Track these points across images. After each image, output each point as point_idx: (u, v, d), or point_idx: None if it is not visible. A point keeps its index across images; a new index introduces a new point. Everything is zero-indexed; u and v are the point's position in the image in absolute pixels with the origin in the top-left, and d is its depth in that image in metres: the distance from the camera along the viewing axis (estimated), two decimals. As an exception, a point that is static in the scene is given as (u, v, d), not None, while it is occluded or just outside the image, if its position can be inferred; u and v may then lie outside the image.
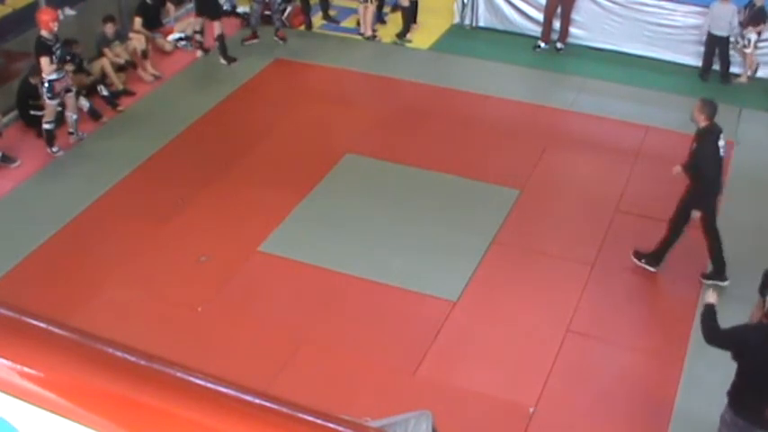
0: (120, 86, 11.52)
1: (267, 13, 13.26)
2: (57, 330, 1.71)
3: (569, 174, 10.47)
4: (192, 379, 1.64)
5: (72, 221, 9.11)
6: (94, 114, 10.83)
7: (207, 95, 11.52)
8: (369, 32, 13.16)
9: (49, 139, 10.12)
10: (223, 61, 12.37)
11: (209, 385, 1.63)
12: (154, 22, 12.63)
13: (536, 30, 12.99)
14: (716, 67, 12.26)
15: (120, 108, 11.19)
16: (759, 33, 11.89)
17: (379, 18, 13.58)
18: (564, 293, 8.26)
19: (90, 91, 10.99)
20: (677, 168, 8.36)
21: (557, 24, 12.86)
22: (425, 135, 10.80)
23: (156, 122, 10.95)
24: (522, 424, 6.91)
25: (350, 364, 7.44)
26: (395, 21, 13.57)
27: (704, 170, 8.06)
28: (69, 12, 12.20)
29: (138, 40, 12.02)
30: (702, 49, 12.17)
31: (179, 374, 1.64)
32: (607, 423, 7.01)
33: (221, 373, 1.66)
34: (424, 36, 13.35)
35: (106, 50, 11.39)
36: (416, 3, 13.30)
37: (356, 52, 12.91)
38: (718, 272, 8.40)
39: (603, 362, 7.59)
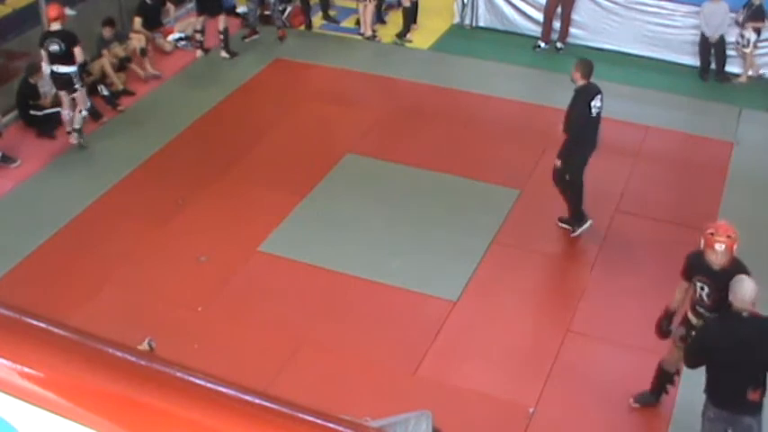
0: (120, 86, 11.52)
1: (266, 13, 13.27)
2: (57, 330, 1.71)
3: (569, 174, 10.46)
4: (191, 379, 1.64)
5: (72, 221, 9.11)
6: (94, 114, 10.83)
7: (207, 95, 11.52)
8: (368, 32, 13.16)
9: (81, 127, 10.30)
10: (225, 55, 12.44)
11: (209, 385, 1.63)
12: (154, 22, 12.63)
13: (536, 30, 12.98)
14: (715, 66, 12.27)
15: (120, 108, 11.20)
16: (758, 33, 11.88)
17: (379, 18, 13.58)
18: (564, 293, 8.26)
19: (90, 91, 10.99)
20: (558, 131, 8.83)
21: (557, 24, 12.86)
22: (425, 135, 10.80)
23: (156, 122, 10.95)
24: (522, 424, 6.90)
25: (350, 364, 7.43)
26: (395, 21, 13.57)
27: (573, 126, 8.57)
28: (69, 12, 12.20)
29: (137, 40, 12.03)
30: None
31: (179, 374, 1.64)
32: (607, 423, 7.01)
33: (221, 373, 1.66)
34: (424, 36, 13.35)
35: (105, 52, 11.38)
36: (417, 3, 13.29)
37: (356, 52, 12.91)
38: (577, 220, 8.87)
39: (603, 362, 7.59)
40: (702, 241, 6.33)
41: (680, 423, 6.94)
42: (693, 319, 6.52)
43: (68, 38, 9.88)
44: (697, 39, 12.15)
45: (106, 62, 11.37)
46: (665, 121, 11.13)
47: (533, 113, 11.34)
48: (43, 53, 9.94)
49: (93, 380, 1.61)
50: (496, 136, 10.82)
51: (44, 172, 9.98)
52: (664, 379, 6.92)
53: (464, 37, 13.34)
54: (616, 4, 12.58)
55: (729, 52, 12.09)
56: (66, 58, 9.87)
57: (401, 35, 13.18)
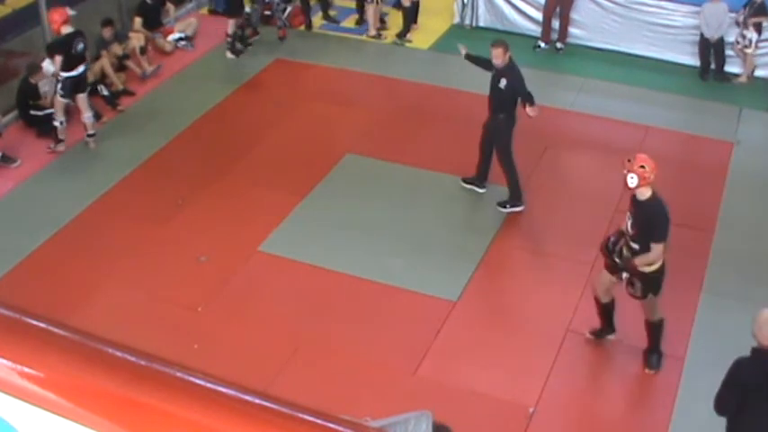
0: (121, 86, 11.52)
1: (267, 12, 13.27)
2: (57, 330, 1.71)
3: (569, 174, 10.48)
4: (191, 379, 1.64)
5: (72, 221, 9.11)
6: (95, 114, 10.82)
7: (207, 95, 11.52)
8: (373, 31, 13.19)
9: (56, 135, 10.21)
10: (230, 56, 12.56)
11: (209, 385, 1.63)
12: (154, 22, 12.63)
13: (536, 30, 12.99)
14: (714, 66, 12.27)
15: (120, 108, 11.20)
16: (760, 31, 11.87)
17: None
18: (564, 293, 8.25)
19: (90, 91, 10.98)
20: (535, 110, 9.22)
21: (556, 24, 12.86)
22: (425, 135, 10.80)
23: (156, 122, 10.95)
24: (522, 424, 6.91)
25: (350, 364, 7.43)
26: (395, 21, 13.57)
27: (518, 97, 8.97)
28: (69, 12, 12.19)
29: (137, 39, 12.03)
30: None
31: (179, 374, 1.64)
32: (607, 423, 7.01)
33: (221, 373, 1.66)
34: (424, 36, 13.35)
35: (104, 53, 11.38)
36: (418, 3, 13.30)
37: (356, 52, 12.91)
38: (479, 180, 9.38)
39: (603, 362, 7.58)
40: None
41: (680, 423, 6.94)
42: (624, 251, 6.92)
43: (84, 36, 10.01)
44: (697, 39, 12.15)
45: (106, 62, 11.37)
46: (665, 121, 11.13)
47: (533, 113, 11.32)
48: (58, 59, 9.74)
49: (93, 380, 1.61)
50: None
51: (44, 172, 9.98)
52: (606, 310, 7.35)
53: (464, 37, 13.27)
54: (616, 4, 12.58)
55: (729, 52, 12.09)
56: (84, 57, 10.02)
57: (401, 35, 13.19)
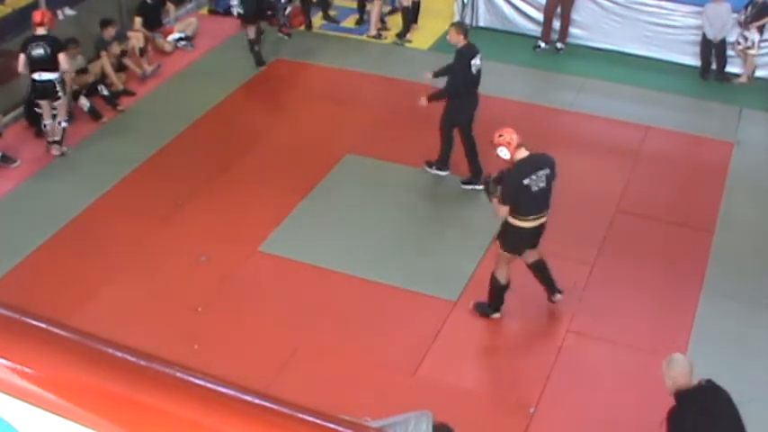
0: (120, 86, 11.52)
1: (269, 12, 13.28)
2: (57, 330, 1.71)
3: (569, 174, 10.45)
4: (191, 379, 1.64)
5: (72, 221, 9.11)
6: (95, 113, 10.83)
7: (207, 95, 11.51)
8: (373, 31, 13.20)
9: (63, 137, 10.20)
10: (260, 67, 12.25)
11: (209, 385, 1.63)
12: (154, 22, 12.63)
13: (536, 30, 12.99)
14: (715, 66, 12.27)
15: (120, 108, 11.20)
16: (762, 32, 11.86)
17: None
18: (564, 293, 8.25)
19: (90, 91, 11.00)
20: (423, 100, 9.59)
21: (557, 24, 12.86)
22: (425, 135, 10.77)
23: (157, 122, 10.95)
24: (522, 424, 6.91)
25: (350, 364, 7.43)
26: (395, 21, 13.57)
27: (454, 85, 9.19)
28: (69, 12, 12.20)
29: (136, 39, 12.02)
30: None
31: (179, 374, 1.64)
32: (607, 423, 7.01)
33: (221, 373, 1.66)
34: (424, 36, 13.35)
35: (104, 53, 11.38)
36: (419, 3, 13.30)
37: (356, 52, 12.91)
38: (476, 177, 9.47)
39: (603, 362, 7.59)
40: None
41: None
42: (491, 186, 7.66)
43: (54, 43, 9.80)
44: (697, 39, 12.15)
45: (106, 62, 11.37)
46: (665, 121, 11.14)
47: (533, 113, 11.34)
48: (22, 58, 9.76)
49: (93, 380, 1.61)
50: (496, 136, 10.81)
51: (44, 172, 9.98)
52: (503, 294, 7.78)
53: (464, 37, 13.32)
54: (616, 4, 12.58)
55: (730, 52, 12.09)
56: (51, 63, 9.78)
57: (401, 35, 13.19)
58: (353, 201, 9.53)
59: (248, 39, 12.18)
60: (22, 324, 1.71)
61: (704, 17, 11.93)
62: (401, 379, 7.30)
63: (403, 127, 10.97)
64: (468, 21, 13.52)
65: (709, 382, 5.52)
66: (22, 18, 10.76)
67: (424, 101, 9.56)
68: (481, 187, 9.30)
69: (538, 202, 7.40)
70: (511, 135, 7.33)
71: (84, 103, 10.70)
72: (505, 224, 7.49)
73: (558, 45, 12.88)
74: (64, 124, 10.14)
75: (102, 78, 11.29)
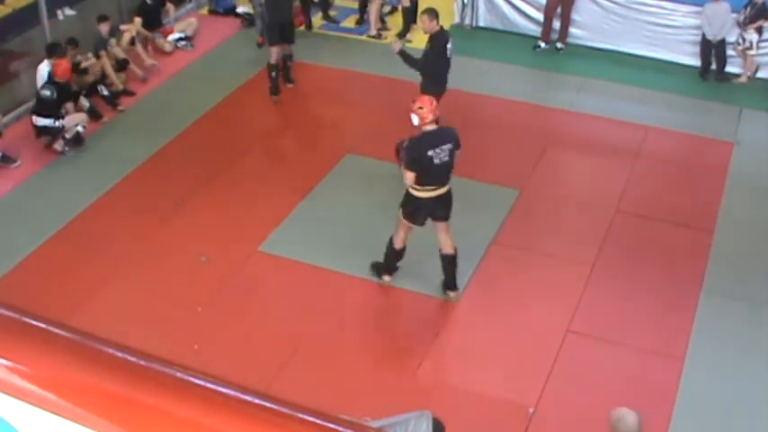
0: (121, 86, 11.51)
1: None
2: (57, 330, 1.71)
3: (569, 174, 10.48)
4: (191, 379, 1.64)
5: (72, 221, 9.11)
6: (95, 114, 10.84)
7: (207, 95, 11.51)
8: (373, 31, 13.20)
9: (69, 140, 10.24)
10: (275, 97, 11.47)
11: (209, 385, 1.63)
12: (154, 22, 12.63)
13: (536, 30, 12.98)
14: (715, 66, 12.27)
15: (120, 108, 11.19)
16: (760, 33, 11.86)
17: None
18: (564, 293, 8.26)
19: (90, 91, 11.00)
20: (397, 45, 9.92)
21: (557, 24, 12.86)
22: (425, 135, 10.79)
23: (156, 122, 10.95)
24: (522, 424, 6.91)
25: (350, 364, 7.44)
26: (395, 21, 13.57)
27: (430, 67, 9.36)
28: (69, 12, 12.20)
29: (129, 31, 12.01)
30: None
31: (179, 374, 1.64)
32: (607, 423, 7.00)
33: (221, 373, 1.66)
34: (423, 36, 13.30)
35: (102, 53, 11.38)
36: (416, 3, 13.29)
37: (356, 52, 12.91)
38: None
39: (603, 362, 7.59)
40: None
41: (680, 423, 6.95)
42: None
43: (63, 91, 10.00)
44: (697, 39, 12.15)
45: (106, 62, 11.37)
46: (665, 121, 11.13)
47: (533, 113, 11.34)
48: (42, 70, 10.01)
49: (93, 380, 1.61)
50: (496, 136, 10.82)
51: (44, 172, 9.98)
52: (396, 259, 8.16)
53: (464, 37, 13.31)
54: (616, 4, 12.58)
55: (730, 52, 12.09)
56: (52, 109, 9.97)
57: (401, 35, 13.18)
58: (353, 201, 9.53)
59: (269, 62, 11.31)
60: (22, 324, 1.72)
61: (703, 17, 11.92)
62: (401, 379, 7.31)
63: (403, 127, 10.94)
64: (468, 21, 13.54)
65: None
66: (22, 18, 10.77)
67: (397, 46, 9.88)
68: None
69: (438, 175, 7.69)
70: (429, 109, 7.63)
71: (83, 103, 10.70)
72: (406, 193, 7.81)
73: (558, 45, 12.88)
74: (80, 129, 10.19)
75: (103, 78, 11.29)
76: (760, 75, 12.14)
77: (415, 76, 12.21)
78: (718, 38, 11.89)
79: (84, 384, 1.61)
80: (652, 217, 9.39)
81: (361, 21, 13.64)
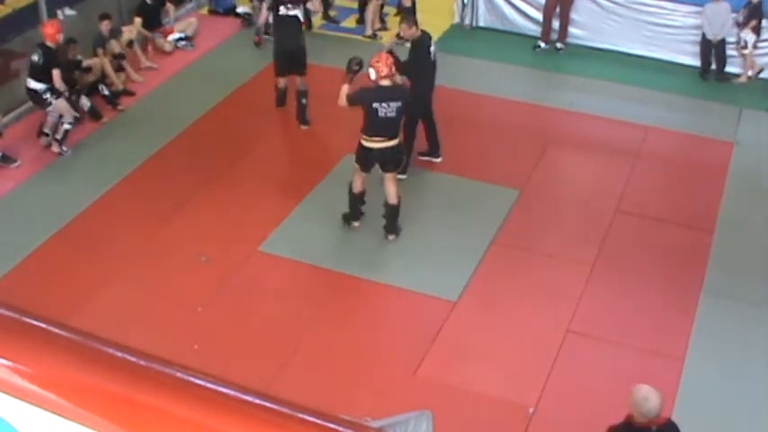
0: (121, 86, 11.51)
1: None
2: (57, 330, 1.71)
3: (569, 174, 10.48)
4: (191, 379, 1.64)
5: (72, 221, 9.10)
6: (95, 113, 10.83)
7: (207, 96, 11.51)
8: (369, 31, 13.18)
9: (64, 138, 10.16)
10: (304, 126, 10.84)
11: (209, 385, 1.63)
12: (154, 22, 12.63)
13: (536, 30, 12.98)
14: (715, 66, 12.26)
15: (120, 108, 11.19)
16: (758, 33, 11.85)
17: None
18: (564, 293, 8.26)
19: (90, 91, 11.00)
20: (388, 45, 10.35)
21: (556, 24, 12.86)
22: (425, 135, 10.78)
23: (156, 122, 10.95)
24: (522, 424, 6.91)
25: (350, 364, 7.44)
26: (395, 21, 13.56)
27: (417, 71, 9.40)
28: (69, 12, 12.19)
29: (129, 32, 12.00)
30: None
31: (179, 374, 1.64)
32: (607, 423, 7.00)
33: (221, 373, 1.66)
34: (423, 36, 13.32)
35: (100, 51, 11.38)
36: (415, 3, 13.28)
37: (356, 52, 12.85)
38: (433, 151, 10.01)
39: (603, 362, 7.59)
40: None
41: (680, 423, 6.94)
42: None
43: (49, 55, 9.80)
44: (697, 39, 12.15)
45: (107, 62, 11.37)
46: (665, 121, 11.13)
47: (533, 113, 11.34)
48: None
49: (93, 380, 1.61)
50: (496, 136, 10.82)
51: (44, 172, 9.98)
52: (358, 203, 8.85)
53: (464, 37, 13.33)
54: (616, 4, 12.58)
55: (730, 52, 12.09)
56: (42, 74, 9.82)
57: (400, 35, 13.17)
58: (353, 201, 9.52)
59: (276, 86, 10.93)
60: (22, 324, 1.72)
61: (704, 17, 11.92)
62: (401, 379, 7.30)
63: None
64: (468, 21, 13.54)
65: (670, 421, 5.41)
66: (22, 18, 10.76)
67: (386, 47, 10.11)
68: (439, 159, 10.01)
69: (384, 128, 8.37)
70: (384, 64, 8.40)
71: (84, 102, 10.69)
72: (359, 144, 8.58)
73: (558, 45, 12.88)
74: (67, 126, 10.10)
75: (103, 78, 11.29)
76: (761, 75, 12.13)
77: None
78: (718, 38, 11.89)
79: (84, 384, 1.61)
80: (652, 217, 9.39)
81: (361, 20, 13.63)
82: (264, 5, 12.10)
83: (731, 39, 12.00)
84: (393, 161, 8.63)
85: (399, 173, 9.32)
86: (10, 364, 1.63)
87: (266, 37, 12.75)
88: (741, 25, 11.83)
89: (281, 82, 10.81)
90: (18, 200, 9.51)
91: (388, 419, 5.34)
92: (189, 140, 10.61)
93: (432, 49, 9.68)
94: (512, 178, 9.89)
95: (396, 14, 13.83)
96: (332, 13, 13.93)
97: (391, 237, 8.90)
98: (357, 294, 8.27)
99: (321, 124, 11.11)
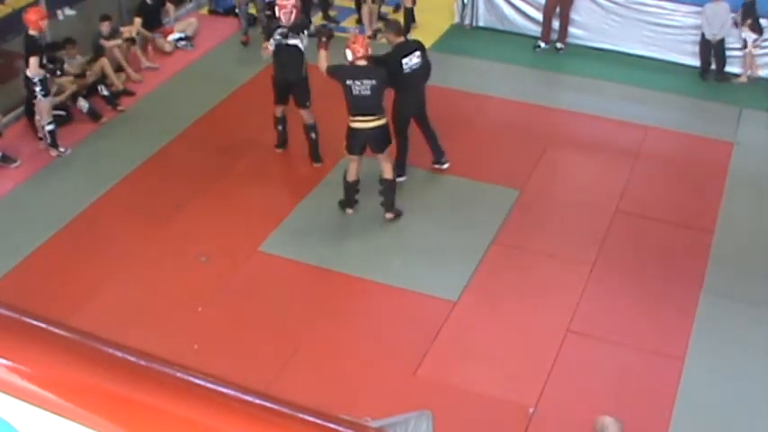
0: (121, 86, 11.52)
1: (268, 12, 13.28)
2: (57, 330, 1.71)
3: (569, 174, 10.48)
4: (192, 379, 1.64)
5: (72, 221, 9.11)
6: (94, 115, 10.83)
7: (207, 96, 11.51)
8: (368, 32, 13.18)
9: (53, 140, 10.08)
10: (349, 210, 9.39)
11: (209, 385, 1.63)
12: (154, 22, 12.63)
13: (536, 30, 12.98)
14: (715, 66, 12.26)
15: (120, 108, 11.19)
16: (756, 31, 11.82)
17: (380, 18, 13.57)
18: (564, 293, 8.26)
19: (90, 91, 11.00)
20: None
21: (556, 24, 12.86)
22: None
23: (156, 122, 10.95)
24: (522, 424, 6.91)
25: (350, 364, 7.44)
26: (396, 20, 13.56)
27: (396, 79, 9.17)
28: (69, 12, 12.19)
29: (128, 32, 12.01)
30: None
31: (179, 374, 1.64)
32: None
33: (221, 373, 1.66)
34: (423, 36, 13.26)
35: (102, 41, 11.37)
36: (415, 2, 13.28)
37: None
38: (437, 159, 9.99)
39: (603, 362, 7.59)
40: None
41: (680, 423, 6.95)
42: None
43: (30, 43, 9.76)
44: (697, 39, 12.15)
45: (106, 62, 11.37)
46: (665, 121, 11.13)
47: (533, 113, 11.34)
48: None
49: (93, 380, 1.61)
50: (496, 136, 10.82)
51: (44, 172, 9.98)
52: (351, 191, 9.15)
53: (464, 37, 13.33)
54: (616, 4, 12.58)
55: (729, 52, 12.08)
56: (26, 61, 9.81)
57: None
58: (353, 201, 9.53)
59: (275, 117, 10.16)
60: (22, 324, 1.71)
61: (703, 17, 11.92)
62: (401, 379, 7.30)
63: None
64: (468, 21, 13.54)
65: None
66: (22, 18, 10.74)
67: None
68: (446, 165, 9.97)
69: (362, 106, 8.68)
70: (360, 44, 8.79)
71: (82, 104, 10.69)
72: (347, 128, 8.90)
73: (558, 45, 12.88)
74: (48, 127, 10.00)
75: (103, 78, 11.29)
76: (760, 74, 12.13)
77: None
78: (718, 38, 11.89)
79: (84, 384, 1.61)
80: (652, 217, 9.39)
81: (361, 21, 13.63)
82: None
83: (731, 38, 11.99)
84: (381, 141, 8.91)
85: (397, 175, 9.32)
86: (10, 364, 1.63)
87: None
88: (739, 25, 11.83)
89: (279, 111, 10.02)
90: (18, 200, 9.51)
91: (388, 419, 5.34)
92: (189, 140, 10.61)
93: (408, 60, 9.20)
94: (512, 178, 9.89)
95: (394, 11, 13.85)
96: (332, 12, 13.93)
97: (389, 215, 9.13)
98: (357, 294, 8.27)
99: (321, 125, 11.09)
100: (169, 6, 13.05)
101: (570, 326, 7.88)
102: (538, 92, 11.98)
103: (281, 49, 9.70)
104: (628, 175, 10.05)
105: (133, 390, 1.60)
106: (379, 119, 8.79)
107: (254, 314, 8.00)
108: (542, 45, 12.89)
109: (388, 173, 9.06)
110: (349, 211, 9.29)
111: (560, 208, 9.62)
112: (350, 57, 8.80)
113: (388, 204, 9.15)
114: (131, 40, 11.96)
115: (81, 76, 11.00)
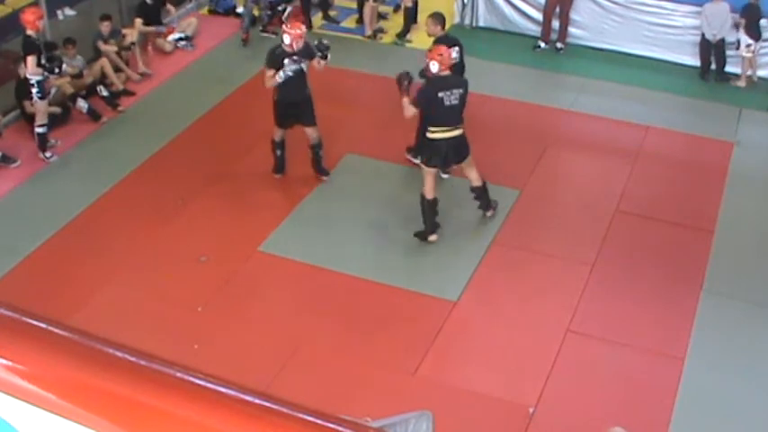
0: (120, 86, 11.51)
1: (269, 12, 13.28)
2: (57, 330, 1.71)
3: (569, 174, 10.48)
4: (192, 379, 1.64)
5: (72, 222, 9.11)
6: (94, 115, 10.83)
7: (207, 95, 11.51)
8: (369, 32, 13.18)
9: (42, 143, 10.01)
10: (325, 178, 9.83)
11: (209, 385, 1.63)
12: (154, 22, 12.62)
13: (536, 30, 12.98)
14: (715, 67, 12.25)
15: (120, 108, 11.19)
16: (752, 35, 11.79)
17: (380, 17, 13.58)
18: (564, 293, 8.26)
19: (90, 91, 10.99)
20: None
21: (556, 24, 12.86)
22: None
23: (156, 122, 10.95)
24: (522, 424, 6.91)
25: (350, 364, 7.44)
26: (396, 21, 13.57)
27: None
28: (69, 12, 12.19)
29: (130, 35, 12.01)
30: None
31: (179, 374, 1.64)
32: (607, 423, 7.00)
33: (221, 373, 1.66)
34: (424, 36, 13.30)
35: (100, 43, 11.36)
36: (416, 2, 13.29)
37: (356, 52, 12.90)
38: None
39: (603, 362, 7.59)
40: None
41: (680, 423, 6.95)
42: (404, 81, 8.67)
43: (27, 44, 9.74)
44: (697, 39, 12.14)
45: (106, 62, 11.37)
46: (665, 121, 11.13)
47: (533, 113, 11.34)
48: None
49: (93, 380, 1.61)
50: (496, 136, 10.82)
51: (44, 172, 9.98)
52: (433, 212, 8.71)
53: (464, 37, 13.23)
54: (616, 4, 12.58)
55: (729, 53, 12.08)
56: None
57: (401, 35, 13.18)
58: (353, 201, 9.53)
59: (273, 141, 9.73)
60: (22, 324, 1.71)
61: (703, 17, 11.91)
62: (401, 379, 7.30)
63: (403, 127, 10.94)
64: (468, 21, 13.53)
65: None
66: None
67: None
68: (446, 176, 9.69)
69: (450, 116, 8.43)
70: (447, 56, 8.51)
71: (82, 105, 10.69)
72: (423, 139, 8.73)
73: (558, 45, 12.88)
74: (38, 129, 9.93)
75: (102, 79, 11.29)
76: (760, 74, 12.12)
77: (416, 77, 12.21)
78: (718, 38, 11.89)
79: (84, 384, 1.61)
80: (652, 217, 9.39)
81: (361, 21, 13.63)
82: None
83: (731, 39, 11.99)
84: (462, 149, 8.65)
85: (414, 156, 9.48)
86: (10, 364, 1.63)
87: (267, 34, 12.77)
88: (738, 26, 11.82)
89: (279, 135, 9.58)
90: (18, 200, 9.51)
91: (388, 419, 5.33)
92: (189, 140, 10.61)
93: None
94: (512, 178, 9.88)
95: (394, 11, 13.85)
96: (332, 12, 13.93)
97: (489, 213, 9.13)
98: (357, 294, 8.27)
99: (321, 125, 11.09)
100: (169, 6, 13.05)
101: (570, 326, 7.88)
102: (538, 92, 11.97)
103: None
104: (628, 175, 10.05)
105: (133, 390, 1.60)
106: (460, 127, 8.54)
107: (253, 314, 8.00)
108: (542, 45, 12.89)
109: (476, 180, 8.90)
110: (432, 237, 8.78)
111: (560, 208, 9.62)
112: (435, 69, 8.44)
113: (485, 205, 9.10)
114: (128, 48, 11.95)
115: (79, 76, 11.00)
